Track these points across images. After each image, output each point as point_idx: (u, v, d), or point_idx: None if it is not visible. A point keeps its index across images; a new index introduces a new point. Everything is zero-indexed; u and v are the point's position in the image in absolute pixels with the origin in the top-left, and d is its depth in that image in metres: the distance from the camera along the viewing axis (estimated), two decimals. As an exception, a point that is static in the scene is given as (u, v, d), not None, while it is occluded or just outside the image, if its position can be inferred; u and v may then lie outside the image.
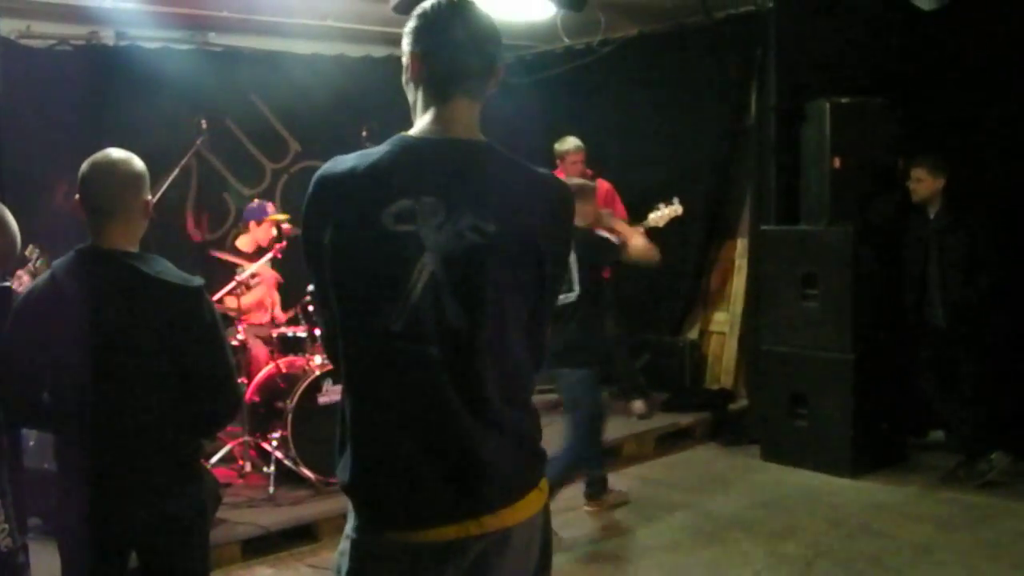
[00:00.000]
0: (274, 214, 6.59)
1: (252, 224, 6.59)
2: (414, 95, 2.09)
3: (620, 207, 7.18)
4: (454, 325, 1.93)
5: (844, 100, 6.43)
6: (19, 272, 4.78)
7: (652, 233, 6.43)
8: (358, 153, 2.00)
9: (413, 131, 2.06)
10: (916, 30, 6.33)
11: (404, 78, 2.10)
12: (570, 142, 7.21)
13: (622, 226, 5.60)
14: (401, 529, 1.98)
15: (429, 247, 1.93)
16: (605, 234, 5.29)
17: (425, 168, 1.98)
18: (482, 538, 1.99)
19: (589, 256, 5.02)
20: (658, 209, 6.36)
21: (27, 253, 5.02)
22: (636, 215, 6.50)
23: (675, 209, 6.31)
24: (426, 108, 2.05)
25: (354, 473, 2.00)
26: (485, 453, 1.97)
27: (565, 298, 4.93)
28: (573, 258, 4.64)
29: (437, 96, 2.04)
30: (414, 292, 1.92)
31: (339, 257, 1.95)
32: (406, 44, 2.06)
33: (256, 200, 7.04)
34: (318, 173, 2.01)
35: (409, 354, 1.93)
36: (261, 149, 7.93)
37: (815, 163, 6.53)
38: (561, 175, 7.14)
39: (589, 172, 7.15)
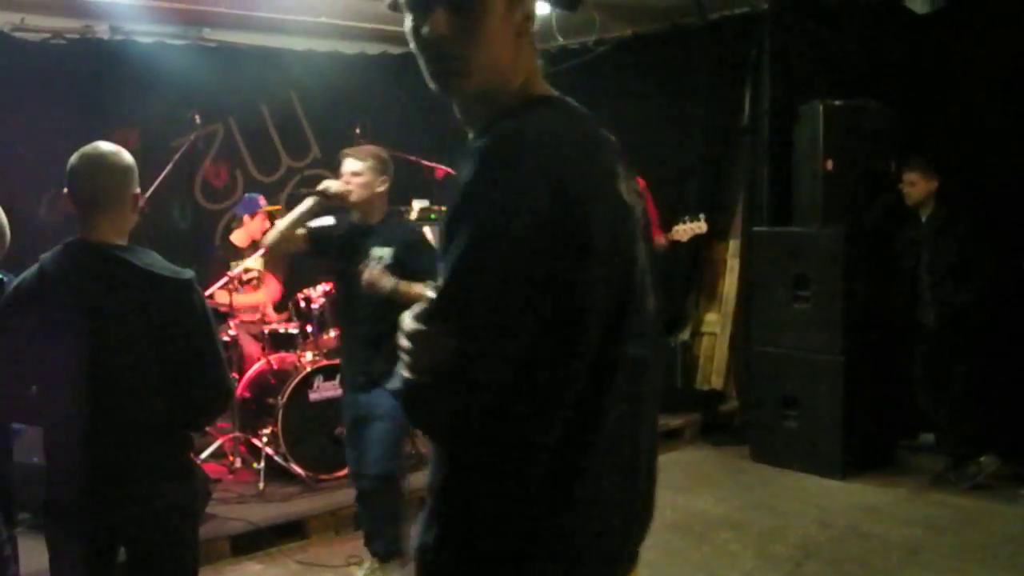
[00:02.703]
0: (265, 206, 6.57)
1: (246, 218, 6.57)
2: (514, 49, 1.61)
3: (650, 208, 7.15)
4: (651, 307, 1.65)
5: (837, 102, 6.45)
6: None
7: (673, 245, 6.53)
8: (536, 126, 1.52)
9: (542, 90, 1.65)
10: (910, 33, 6.34)
11: (515, 30, 1.60)
12: None
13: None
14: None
15: (636, 216, 1.64)
16: None
17: (595, 130, 1.66)
18: None
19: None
20: (683, 222, 6.51)
21: None
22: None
23: (700, 226, 6.51)
24: (529, 62, 1.64)
25: (575, 511, 1.54)
26: (652, 483, 1.71)
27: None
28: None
29: (536, 49, 1.65)
30: (639, 267, 1.61)
31: (601, 237, 1.51)
32: None
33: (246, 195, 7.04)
34: (528, 149, 1.48)
35: (634, 337, 1.58)
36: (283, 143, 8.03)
37: (808, 165, 6.56)
38: None
39: None
